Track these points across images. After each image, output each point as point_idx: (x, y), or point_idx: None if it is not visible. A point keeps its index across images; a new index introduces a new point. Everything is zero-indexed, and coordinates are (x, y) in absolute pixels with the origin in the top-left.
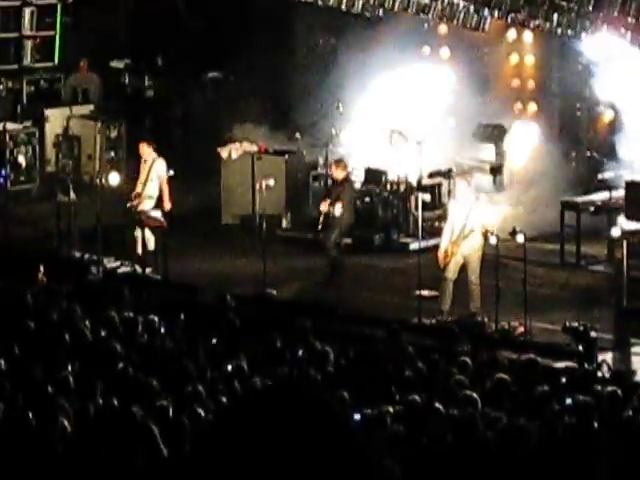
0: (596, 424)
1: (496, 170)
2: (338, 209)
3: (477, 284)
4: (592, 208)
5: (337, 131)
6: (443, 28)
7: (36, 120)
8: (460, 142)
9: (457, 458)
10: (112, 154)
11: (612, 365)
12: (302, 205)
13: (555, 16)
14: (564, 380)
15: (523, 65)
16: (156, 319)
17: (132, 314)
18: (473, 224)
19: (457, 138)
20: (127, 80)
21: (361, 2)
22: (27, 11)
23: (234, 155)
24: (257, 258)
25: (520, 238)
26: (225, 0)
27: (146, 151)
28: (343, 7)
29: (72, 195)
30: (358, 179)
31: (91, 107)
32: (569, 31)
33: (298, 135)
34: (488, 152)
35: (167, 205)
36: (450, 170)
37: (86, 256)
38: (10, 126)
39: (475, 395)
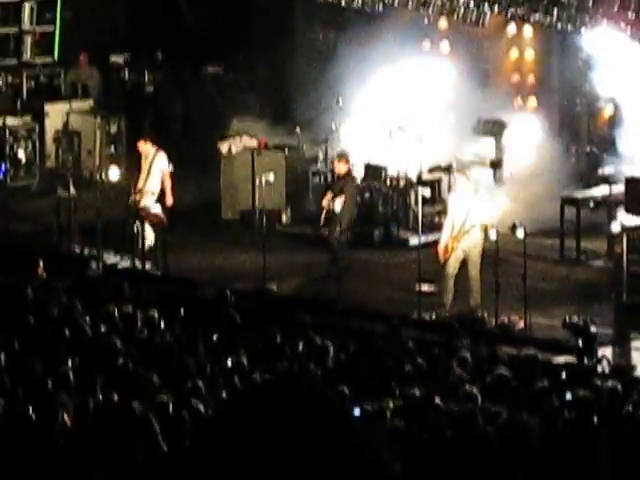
0: (596, 419)
1: (496, 165)
2: (338, 205)
3: (477, 279)
4: (592, 203)
5: (337, 126)
6: (443, 23)
7: (36, 115)
8: (460, 137)
9: (457, 453)
10: (112, 149)
11: (612, 360)
12: (302, 200)
13: (555, 11)
14: (564, 375)
15: (523, 60)
16: (156, 314)
17: (132, 309)
18: (473, 220)
19: (457, 133)
20: (127, 75)
21: None
22: (27, 6)
23: (234, 150)
24: (257, 253)
25: (520, 233)
26: None
27: (146, 148)
28: (343, 3)
29: (72, 190)
30: (358, 174)
31: (91, 102)
32: (569, 26)
33: (298, 130)
34: (488, 147)
35: (169, 199)
36: (450, 165)
37: (86, 251)
38: (10, 121)
39: (475, 390)
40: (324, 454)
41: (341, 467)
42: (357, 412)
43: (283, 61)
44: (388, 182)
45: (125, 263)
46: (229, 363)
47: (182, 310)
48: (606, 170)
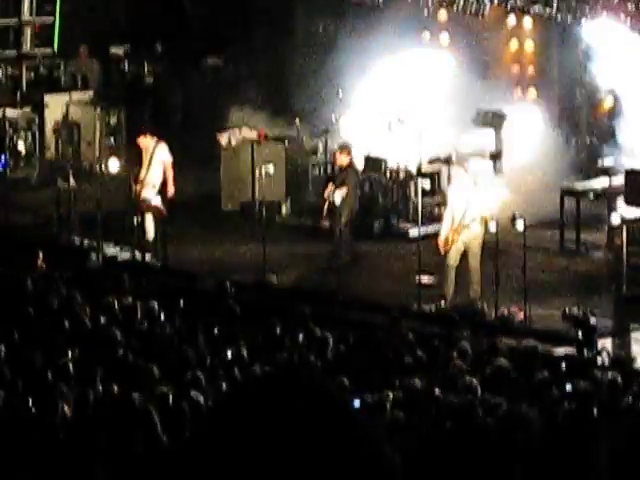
0: (596, 411)
1: (495, 156)
2: (338, 197)
3: (478, 270)
4: (592, 195)
5: (337, 117)
6: (443, 14)
7: (36, 106)
8: (459, 128)
9: (457, 444)
10: (112, 140)
11: (612, 351)
12: (302, 192)
13: (555, 2)
14: (564, 366)
15: (523, 51)
16: (156, 306)
17: (132, 301)
18: (473, 213)
19: (456, 124)
20: (127, 66)
21: None
22: None
23: (234, 141)
24: (257, 245)
25: (520, 225)
26: None
27: (145, 141)
28: None
29: (72, 181)
30: (358, 166)
31: (91, 93)
32: (569, 17)
33: (297, 122)
34: (487, 138)
35: (171, 190)
36: (449, 157)
37: (86, 242)
38: (10, 112)
39: (475, 382)
40: (324, 446)
41: (341, 459)
42: (357, 404)
43: (283, 53)
44: (388, 174)
45: (125, 255)
46: (229, 355)
47: (182, 302)
48: (606, 161)
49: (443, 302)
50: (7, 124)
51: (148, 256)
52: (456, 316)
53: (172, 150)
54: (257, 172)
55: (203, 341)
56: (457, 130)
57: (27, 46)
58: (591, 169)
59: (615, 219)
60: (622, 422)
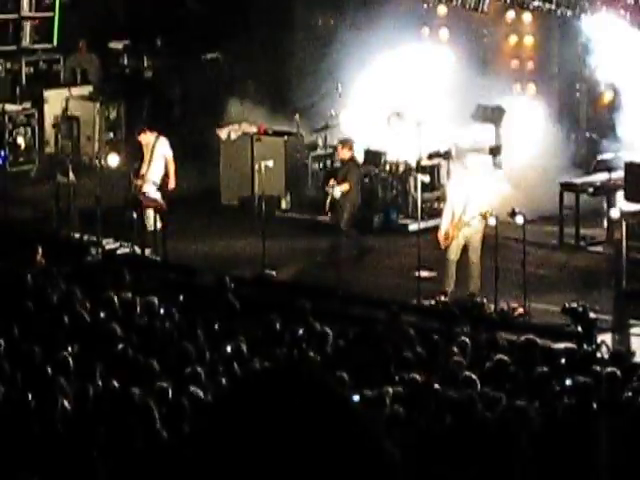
0: (595, 405)
1: (495, 151)
2: (337, 191)
3: (478, 264)
4: (591, 189)
5: (336, 112)
6: (442, 9)
7: (35, 101)
8: (459, 123)
9: (456, 439)
10: (111, 135)
11: (611, 346)
12: (301, 186)
13: None
14: (563, 361)
15: (522, 46)
16: (155, 301)
17: (131, 295)
18: (473, 209)
19: (456, 119)
20: (126, 61)
21: None
22: None
23: (233, 136)
24: (256, 239)
25: (519, 219)
26: None
27: (145, 137)
28: None
29: (71, 176)
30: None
31: (90, 88)
32: (568, 12)
33: (297, 117)
34: (487, 133)
35: (172, 183)
36: (449, 151)
37: (85, 237)
38: (9, 107)
39: (474, 376)
40: (323, 441)
41: (341, 454)
42: (356, 398)
43: (282, 48)
44: (387, 168)
45: (124, 249)
46: (228, 349)
47: (182, 296)
48: (605, 156)
49: (443, 296)
50: (7, 119)
51: (148, 251)
52: (456, 310)
53: (171, 144)
54: (257, 166)
55: (203, 336)
56: (456, 125)
57: (26, 41)
58: (590, 163)
59: (614, 213)
60: (621, 416)
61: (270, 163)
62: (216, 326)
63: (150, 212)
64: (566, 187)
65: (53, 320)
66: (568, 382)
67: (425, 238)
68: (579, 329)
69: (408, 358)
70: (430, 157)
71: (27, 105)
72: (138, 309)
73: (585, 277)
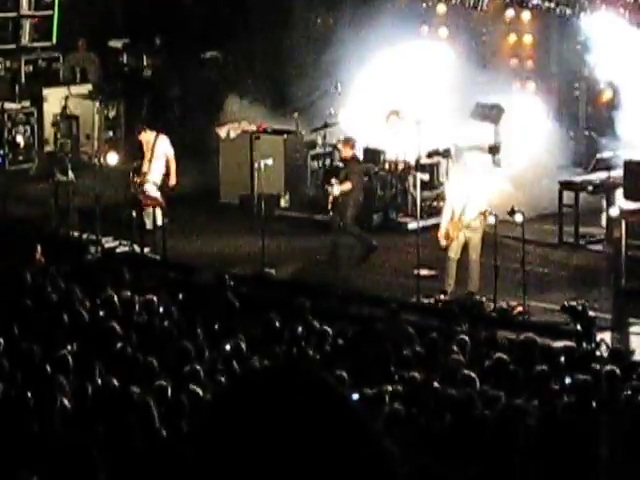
0: (595, 403)
1: (494, 149)
2: (336, 190)
3: (478, 263)
4: (590, 187)
5: (335, 110)
6: (442, 7)
7: (34, 100)
8: (458, 122)
9: (455, 437)
10: (110, 133)
11: (611, 344)
12: (301, 185)
13: None
14: (563, 359)
15: (521, 44)
16: (155, 299)
17: (130, 294)
18: (473, 208)
19: (455, 117)
20: (125, 59)
21: None
22: None
23: (232, 135)
24: (256, 238)
25: (518, 218)
26: None
27: (145, 136)
28: None
29: (70, 175)
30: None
31: (89, 87)
32: (567, 10)
33: (296, 115)
34: (486, 132)
35: (172, 180)
36: (448, 150)
37: (84, 236)
38: (8, 106)
39: (474, 374)
40: (323, 439)
41: (340, 453)
42: (356, 397)
43: (281, 46)
44: (387, 166)
45: (124, 248)
46: (228, 348)
47: (181, 295)
48: (605, 154)
49: (443, 295)
50: (6, 117)
51: (147, 249)
52: (455, 309)
53: (171, 143)
54: (256, 165)
55: (202, 334)
56: (456, 123)
57: (26, 39)
58: (590, 162)
59: (614, 212)
60: (621, 415)
61: (269, 162)
62: (215, 324)
63: (149, 210)
64: (565, 185)
65: (52, 318)
66: (567, 380)
67: (424, 236)
68: (578, 327)
69: (407, 356)
70: (429, 155)
71: (26, 103)
72: (137, 307)
73: (584, 275)
